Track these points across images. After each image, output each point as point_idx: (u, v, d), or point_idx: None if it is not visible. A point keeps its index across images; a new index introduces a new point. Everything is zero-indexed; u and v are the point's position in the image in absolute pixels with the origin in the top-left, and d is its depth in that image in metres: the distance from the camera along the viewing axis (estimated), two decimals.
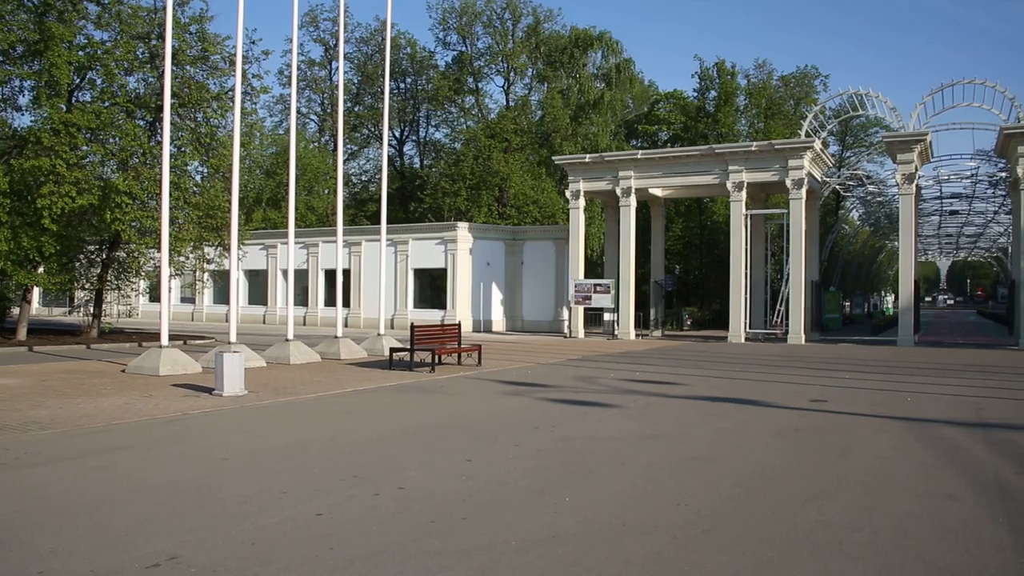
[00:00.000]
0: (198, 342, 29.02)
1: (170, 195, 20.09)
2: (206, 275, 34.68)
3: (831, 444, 10.68)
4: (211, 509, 7.17)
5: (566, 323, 37.60)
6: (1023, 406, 14.34)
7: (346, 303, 41.79)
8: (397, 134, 64.35)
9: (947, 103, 34.81)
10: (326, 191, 56.28)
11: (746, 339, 34.46)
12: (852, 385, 18.06)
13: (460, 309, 40.16)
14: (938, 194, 52.88)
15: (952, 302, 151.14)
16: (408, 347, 20.39)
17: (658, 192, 39.56)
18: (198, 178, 29.93)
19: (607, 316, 37.27)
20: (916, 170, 34.31)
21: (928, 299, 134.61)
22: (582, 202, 37.93)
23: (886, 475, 8.79)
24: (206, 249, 29.58)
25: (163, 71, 20.13)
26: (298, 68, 45.76)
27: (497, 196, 51.17)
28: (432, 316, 38.65)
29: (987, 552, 6.09)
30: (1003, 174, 42.12)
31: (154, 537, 6.25)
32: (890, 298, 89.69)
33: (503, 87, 59.19)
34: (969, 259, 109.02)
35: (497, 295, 42.51)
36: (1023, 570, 5.70)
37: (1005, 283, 60.40)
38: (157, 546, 5.99)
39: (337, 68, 32.03)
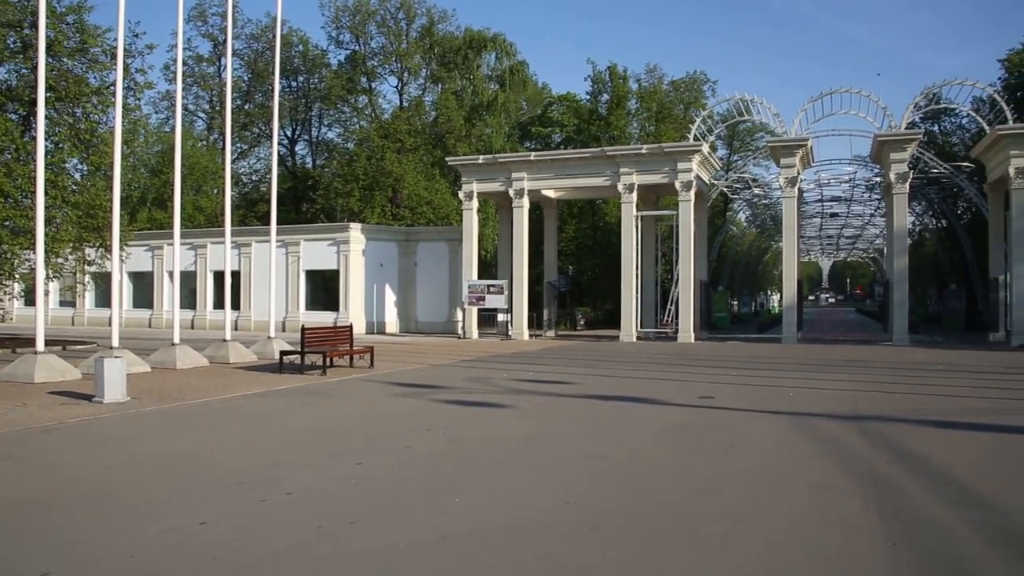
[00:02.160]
0: (78, 347, 27.83)
1: (46, 193, 19.25)
2: (87, 277, 33.33)
3: (718, 439, 10.96)
4: (88, 522, 6.87)
5: (460, 324, 37.60)
6: (895, 399, 14.98)
7: (236, 306, 40.90)
8: (288, 133, 63.22)
9: (827, 110, 36.30)
10: (215, 191, 54.85)
11: (638, 338, 35.08)
12: (739, 382, 18.58)
13: (353, 311, 39.72)
14: (819, 197, 54.99)
15: (833, 300, 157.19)
16: (299, 350, 20.06)
17: (551, 193, 39.94)
18: (77, 176, 28.75)
19: (501, 317, 37.43)
20: (798, 174, 35.56)
21: (811, 298, 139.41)
22: (475, 203, 38.02)
23: (770, 468, 9.06)
24: (87, 250, 28.43)
25: (36, 62, 19.22)
26: (185, 64, 44.55)
27: (390, 197, 50.79)
28: (325, 318, 38.05)
29: (860, 538, 6.37)
30: (878, 179, 44.18)
31: (26, 554, 5.96)
32: (776, 297, 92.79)
33: (397, 87, 58.78)
34: (849, 259, 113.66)
35: (391, 296, 42.20)
36: (892, 552, 5.99)
37: (881, 282, 63.15)
38: (28, 563, 5.72)
39: (225, 65, 31.14)
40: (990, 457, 9.71)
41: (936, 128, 51.53)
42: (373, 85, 59.28)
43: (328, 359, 20.23)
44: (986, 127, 34.47)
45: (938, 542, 6.25)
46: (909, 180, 33.94)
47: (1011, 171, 30.57)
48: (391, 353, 26.32)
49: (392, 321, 42.14)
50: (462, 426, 12.04)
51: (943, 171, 39.50)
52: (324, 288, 42.47)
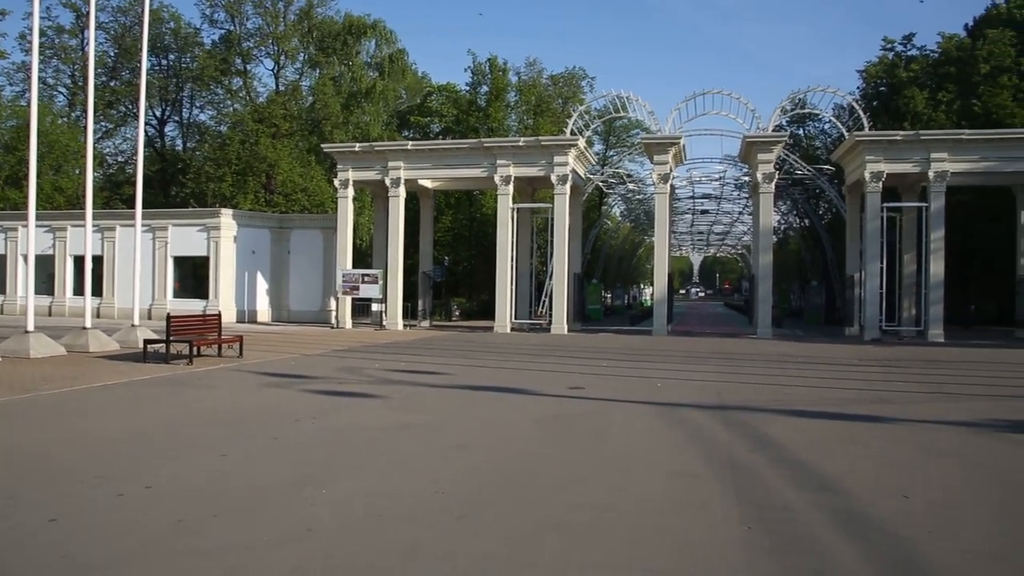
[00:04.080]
0: None
1: None
2: None
3: (586, 429, 11.15)
4: None
5: (334, 314, 37.02)
6: (757, 389, 15.58)
7: (99, 292, 39.23)
8: (157, 114, 60.80)
9: (699, 110, 37.29)
10: (76, 171, 52.24)
11: (512, 329, 35.34)
12: (609, 373, 18.96)
13: (223, 299, 38.65)
14: (691, 194, 56.70)
15: (703, 295, 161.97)
16: (164, 338, 19.39)
17: (428, 183, 39.78)
18: None
19: (375, 306, 37.12)
20: (671, 171, 36.48)
21: (682, 292, 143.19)
22: (351, 191, 37.54)
23: (636, 457, 9.26)
24: None
25: None
26: (44, 34, 42.40)
27: (264, 183, 49.65)
28: (194, 306, 36.85)
29: (718, 523, 6.62)
30: (746, 178, 45.81)
31: None
32: (648, 290, 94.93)
33: (273, 71, 57.16)
34: (719, 255, 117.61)
35: (263, 285, 41.26)
36: (747, 536, 6.26)
37: (748, 278, 65.50)
38: None
39: (89, 38, 29.73)
40: (840, 444, 10.19)
41: (801, 132, 53.77)
42: (248, 67, 57.57)
43: (195, 348, 19.63)
44: (845, 133, 36.19)
45: (791, 525, 6.57)
46: (775, 180, 35.35)
47: (867, 175, 32.19)
48: (262, 342, 25.74)
49: (264, 310, 41.21)
50: (331, 417, 11.88)
51: (806, 173, 41.27)
52: (193, 275, 41.11)
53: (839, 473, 8.46)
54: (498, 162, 35.14)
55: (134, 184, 26.39)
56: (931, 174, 31.54)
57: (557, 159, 34.71)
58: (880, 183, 32.21)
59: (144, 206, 25.65)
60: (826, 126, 50.24)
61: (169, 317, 19.60)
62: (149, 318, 35.62)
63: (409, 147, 36.93)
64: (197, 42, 58.37)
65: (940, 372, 19.91)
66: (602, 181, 49.85)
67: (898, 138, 32.35)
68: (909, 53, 46.44)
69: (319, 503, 7.09)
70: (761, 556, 5.81)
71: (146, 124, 52.96)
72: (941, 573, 5.58)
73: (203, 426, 11.21)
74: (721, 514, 6.88)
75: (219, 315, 22.60)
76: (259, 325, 37.53)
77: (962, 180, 33.44)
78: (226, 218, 39.67)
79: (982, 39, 41.57)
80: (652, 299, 49.86)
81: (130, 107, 55.29)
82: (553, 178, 34.83)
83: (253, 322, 39.15)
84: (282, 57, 56.37)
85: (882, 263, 32.68)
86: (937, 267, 31.62)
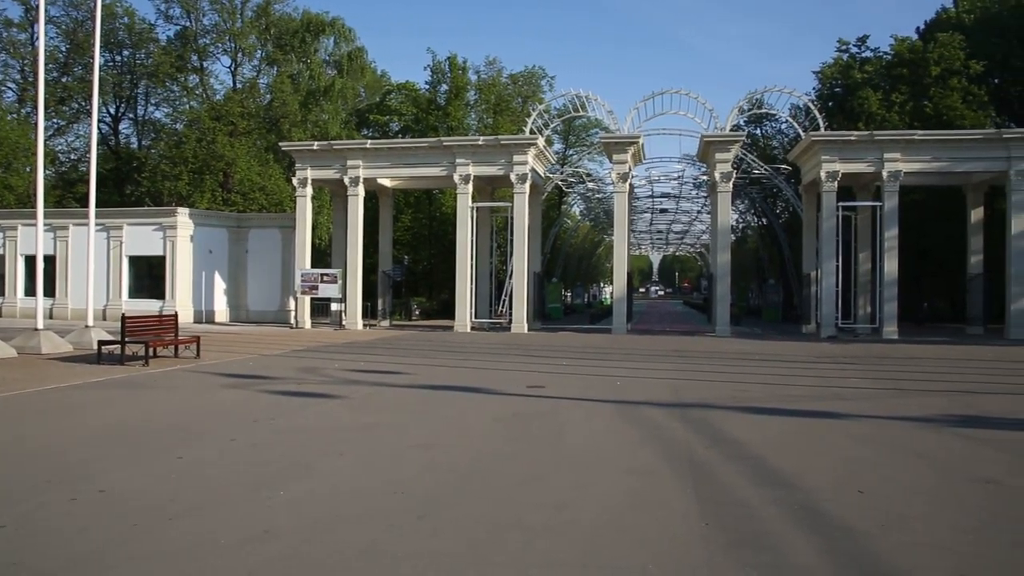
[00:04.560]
0: None
1: None
2: None
3: (546, 427, 11.17)
4: None
5: (293, 313, 36.73)
6: (715, 387, 15.71)
7: (51, 293, 38.56)
8: (112, 110, 59.72)
9: (658, 110, 37.52)
10: (27, 168, 51.22)
11: (472, 328, 35.32)
12: (569, 371, 19.03)
13: (180, 299, 38.18)
14: (650, 193, 56.98)
15: (663, 293, 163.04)
16: (120, 340, 19.11)
17: (387, 182, 39.61)
18: None
19: (335, 306, 36.90)
20: (630, 170, 36.68)
21: (642, 290, 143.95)
22: (310, 190, 37.28)
23: (595, 455, 9.30)
24: None
25: None
26: None
27: (222, 181, 49.08)
28: (150, 307, 36.28)
29: (676, 519, 6.68)
30: (704, 177, 46.15)
31: None
32: (608, 289, 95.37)
33: (230, 68, 56.56)
34: (678, 254, 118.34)
35: (220, 284, 40.81)
36: (705, 532, 6.32)
37: (706, 276, 66.07)
38: None
39: (39, 32, 29.09)
40: (796, 440, 10.33)
41: (759, 131, 54.30)
42: (205, 64, 56.88)
43: (151, 349, 19.36)
44: (802, 133, 36.68)
45: (747, 521, 6.64)
46: (733, 179, 35.68)
47: (823, 175, 32.65)
48: (220, 343, 25.47)
49: (222, 310, 40.78)
50: (290, 417, 11.80)
51: (764, 172, 41.77)
52: (149, 275, 40.51)
53: (796, 469, 8.57)
54: (457, 161, 35.09)
55: (87, 182, 25.93)
56: (885, 174, 32.08)
57: (516, 158, 34.75)
58: (836, 182, 32.71)
59: (98, 205, 25.24)
60: (783, 126, 50.80)
61: (124, 318, 19.33)
62: (104, 319, 35.11)
63: (368, 146, 36.74)
64: (152, 38, 57.40)
65: (894, 368, 20.23)
66: (562, 180, 49.98)
67: (853, 138, 32.85)
68: (863, 55, 47.07)
69: (277, 504, 7.04)
70: (719, 552, 5.87)
71: (100, 121, 52.22)
72: (893, 565, 5.67)
73: (159, 428, 11.04)
74: (680, 511, 6.93)
75: (175, 315, 22.32)
76: (217, 325, 37.13)
77: (915, 180, 34.09)
78: (182, 217, 39.18)
79: (933, 42, 42.28)
80: (612, 298, 50.05)
81: (83, 103, 54.27)
82: (512, 177, 34.87)
83: (211, 322, 38.73)
84: (239, 54, 55.81)
85: (838, 261, 33.21)
86: (891, 265, 32.17)
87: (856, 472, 8.51)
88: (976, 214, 35.65)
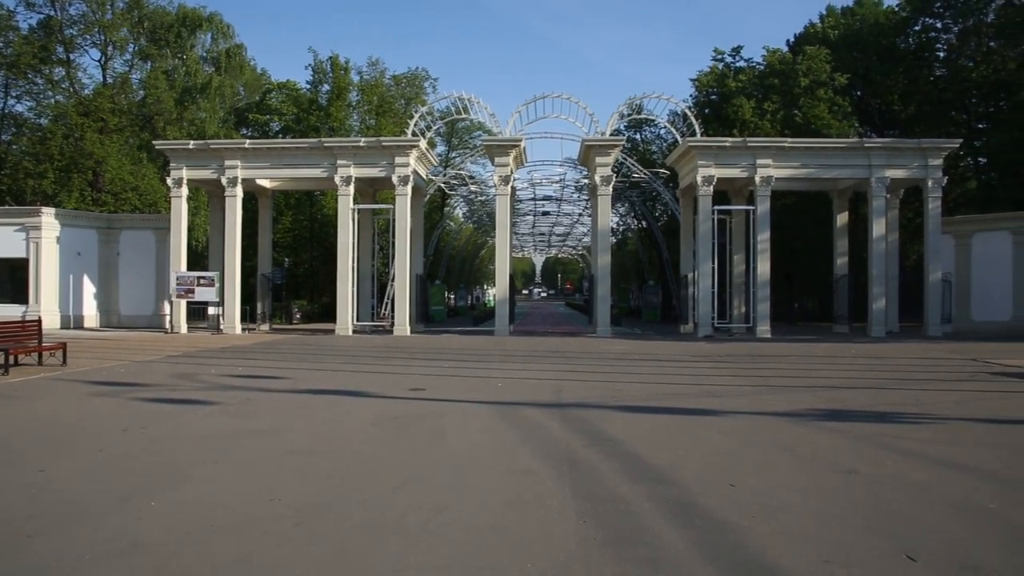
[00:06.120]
0: None
1: None
2: None
3: (426, 430, 11.09)
4: None
5: (168, 318, 35.51)
6: (594, 387, 15.93)
7: None
8: None
9: (540, 113, 37.90)
10: None
11: (354, 331, 34.88)
12: (451, 373, 18.99)
13: (45, 304, 36.40)
14: (532, 196, 57.56)
15: (546, 295, 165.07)
16: None
17: (267, 183, 38.73)
18: None
19: (212, 310, 35.84)
20: (512, 173, 36.88)
21: (525, 292, 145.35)
22: (185, 191, 36.08)
23: (474, 456, 9.29)
24: None
25: None
26: None
27: (91, 180, 47.01)
28: (12, 312, 34.43)
29: (553, 518, 6.75)
30: (585, 180, 46.86)
31: None
32: (491, 291, 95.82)
33: (100, 62, 54.11)
34: (560, 256, 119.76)
35: (90, 288, 39.12)
36: (582, 530, 6.40)
37: (588, 278, 67.10)
38: None
39: None
40: (671, 436, 10.54)
41: (638, 136, 55.56)
42: (72, 57, 54.23)
43: (12, 357, 18.40)
44: (679, 139, 37.60)
45: (625, 517, 6.76)
46: (612, 183, 36.29)
47: (699, 179, 33.60)
48: (89, 349, 24.41)
49: (92, 315, 39.09)
50: (163, 425, 11.37)
51: (643, 176, 42.70)
52: (11, 279, 38.43)
53: (670, 465, 8.75)
54: (339, 162, 34.62)
55: None
56: (757, 179, 33.26)
57: (398, 160, 34.52)
58: (711, 187, 33.71)
59: None
60: (662, 131, 52.04)
61: None
62: None
63: (247, 145, 35.84)
64: (11, 26, 54.10)
65: (765, 366, 20.92)
66: (444, 182, 49.97)
67: (727, 144, 33.87)
68: (737, 64, 48.77)
69: (147, 516, 6.77)
70: (595, 549, 5.94)
71: None
72: (763, 555, 5.84)
73: (19, 440, 10.44)
74: (557, 509, 6.99)
75: (39, 321, 21.25)
76: (86, 331, 35.59)
77: (786, 185, 35.44)
78: (47, 217, 37.36)
79: (802, 55, 44.19)
80: (495, 300, 50.28)
81: None
82: (394, 179, 34.61)
83: (80, 328, 37.12)
84: (110, 47, 53.47)
85: (714, 263, 34.24)
86: (764, 267, 33.36)
87: (728, 467, 8.74)
88: (842, 218, 37.47)
